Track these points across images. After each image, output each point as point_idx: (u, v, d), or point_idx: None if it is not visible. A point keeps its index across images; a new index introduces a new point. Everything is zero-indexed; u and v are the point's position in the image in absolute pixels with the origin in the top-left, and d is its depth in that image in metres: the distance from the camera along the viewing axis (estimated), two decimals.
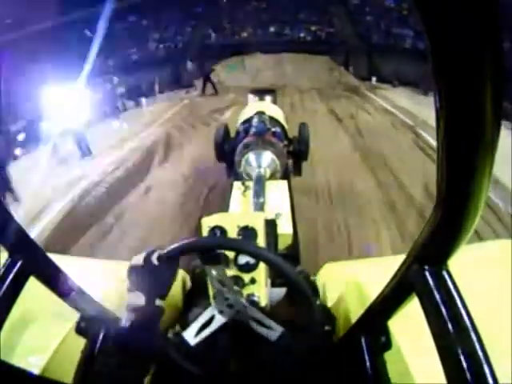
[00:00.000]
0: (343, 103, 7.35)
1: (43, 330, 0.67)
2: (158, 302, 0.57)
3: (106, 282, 0.86)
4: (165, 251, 0.61)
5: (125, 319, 0.56)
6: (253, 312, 0.71)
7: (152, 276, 0.59)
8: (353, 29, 11.51)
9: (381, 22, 11.07)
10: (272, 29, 12.68)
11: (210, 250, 0.67)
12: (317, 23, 12.47)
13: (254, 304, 0.73)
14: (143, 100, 9.17)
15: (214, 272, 0.70)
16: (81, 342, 0.69)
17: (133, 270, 0.60)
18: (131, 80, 10.07)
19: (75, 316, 0.69)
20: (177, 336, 0.72)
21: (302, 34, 12.56)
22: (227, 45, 12.36)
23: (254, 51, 11.57)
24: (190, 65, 10.48)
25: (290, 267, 0.62)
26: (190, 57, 11.23)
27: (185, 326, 0.86)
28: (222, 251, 0.71)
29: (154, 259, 0.60)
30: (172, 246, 0.62)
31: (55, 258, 0.62)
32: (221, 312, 0.71)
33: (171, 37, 12.63)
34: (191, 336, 0.71)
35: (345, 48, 11.24)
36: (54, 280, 0.61)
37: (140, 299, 0.56)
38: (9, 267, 0.53)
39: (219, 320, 0.71)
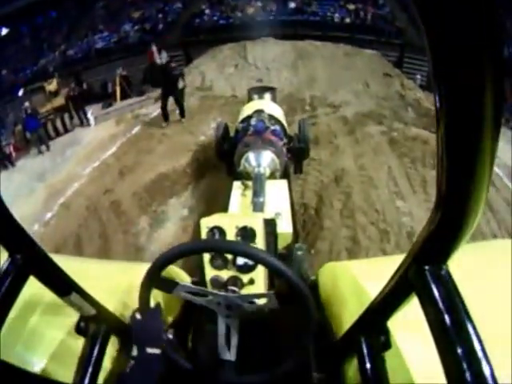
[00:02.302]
0: None
1: (43, 329, 0.67)
2: (149, 350, 0.62)
3: (106, 281, 0.85)
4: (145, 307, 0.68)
5: (127, 366, 0.64)
6: (243, 295, 0.72)
7: (139, 329, 0.66)
8: (405, 14, 7.59)
9: None
10: (292, 4, 8.79)
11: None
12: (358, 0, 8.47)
13: (253, 304, 0.72)
14: (90, 117, 6.46)
15: (182, 293, 0.71)
16: (81, 342, 0.69)
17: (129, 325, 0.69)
18: (91, 76, 7.58)
19: (75, 316, 0.69)
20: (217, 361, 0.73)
21: (337, 14, 8.44)
22: (224, 25, 8.68)
23: (262, 35, 7.62)
24: (163, 57, 6.25)
25: (268, 255, 0.63)
26: (164, 44, 6.81)
27: (185, 326, 0.86)
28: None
29: (137, 314, 0.67)
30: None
31: (55, 258, 0.61)
32: (228, 316, 0.71)
33: (153, 15, 9.16)
34: (226, 353, 0.72)
35: (399, 40, 7.76)
36: (53, 280, 0.61)
37: (133, 350, 0.64)
38: (9, 267, 0.53)
39: (233, 323, 0.72)
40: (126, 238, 3.25)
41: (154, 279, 0.69)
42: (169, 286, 0.71)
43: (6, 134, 6.40)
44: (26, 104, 6.29)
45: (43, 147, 6.06)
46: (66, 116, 6.87)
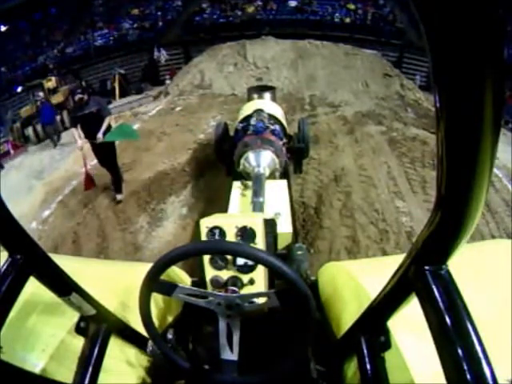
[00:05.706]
0: None
1: (43, 330, 0.67)
2: None
3: (106, 281, 0.85)
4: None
5: None
6: (243, 295, 0.71)
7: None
8: (405, 14, 7.73)
9: None
10: (293, 3, 8.89)
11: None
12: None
13: (253, 304, 0.72)
14: None
15: (182, 295, 0.71)
16: (81, 342, 0.69)
17: None
18: (90, 73, 7.75)
19: (75, 316, 0.69)
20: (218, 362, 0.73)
21: (337, 14, 8.58)
22: (224, 24, 8.71)
23: (263, 34, 7.70)
24: (162, 54, 6.57)
25: (270, 256, 0.63)
26: (162, 42, 7.41)
27: (185, 327, 0.86)
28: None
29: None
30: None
31: (55, 258, 0.61)
32: (228, 316, 0.71)
33: (153, 13, 9.20)
34: (229, 354, 0.71)
35: (399, 41, 7.89)
36: (54, 280, 0.61)
37: None
38: (9, 267, 0.53)
39: (234, 323, 0.71)
40: (125, 236, 3.23)
41: (153, 282, 0.69)
42: (168, 288, 0.71)
43: (4, 131, 6.34)
44: (40, 94, 6.12)
45: (45, 142, 5.92)
46: (65, 113, 6.80)
